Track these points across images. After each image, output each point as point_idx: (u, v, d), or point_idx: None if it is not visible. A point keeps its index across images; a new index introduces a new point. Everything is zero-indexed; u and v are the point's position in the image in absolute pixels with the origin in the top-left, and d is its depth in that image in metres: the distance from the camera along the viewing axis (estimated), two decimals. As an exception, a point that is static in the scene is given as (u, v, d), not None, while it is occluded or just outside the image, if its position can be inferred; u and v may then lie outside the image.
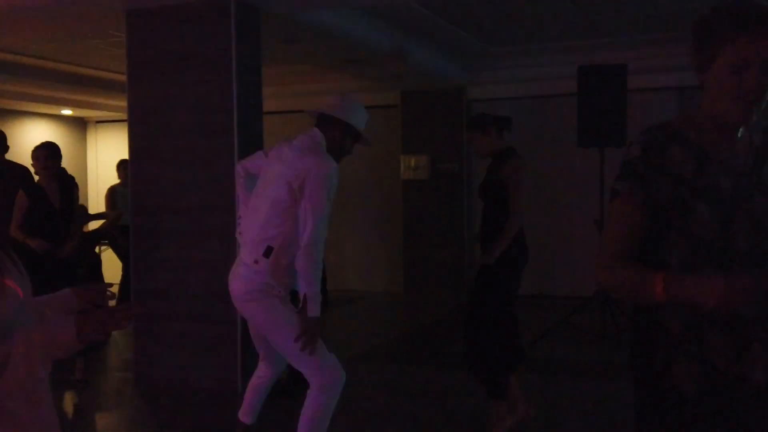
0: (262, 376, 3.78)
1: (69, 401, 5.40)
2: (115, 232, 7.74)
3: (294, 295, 3.54)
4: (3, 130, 6.21)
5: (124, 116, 6.01)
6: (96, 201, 11.09)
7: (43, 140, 5.71)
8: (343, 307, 9.09)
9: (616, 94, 6.77)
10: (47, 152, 5.42)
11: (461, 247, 9.85)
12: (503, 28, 7.97)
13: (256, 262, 3.41)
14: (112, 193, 8.27)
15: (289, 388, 4.97)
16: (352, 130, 3.56)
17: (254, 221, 3.49)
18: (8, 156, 6.11)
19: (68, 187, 5.55)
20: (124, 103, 5.92)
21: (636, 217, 1.82)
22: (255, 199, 3.57)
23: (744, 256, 1.75)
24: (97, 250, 8.05)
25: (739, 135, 1.84)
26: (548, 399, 5.12)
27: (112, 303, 2.17)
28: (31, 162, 5.51)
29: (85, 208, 8.11)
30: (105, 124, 11.98)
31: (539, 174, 9.19)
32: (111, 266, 8.46)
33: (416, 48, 8.00)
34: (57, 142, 5.69)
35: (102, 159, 11.87)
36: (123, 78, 5.83)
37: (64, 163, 5.65)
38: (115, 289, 7.17)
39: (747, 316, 1.74)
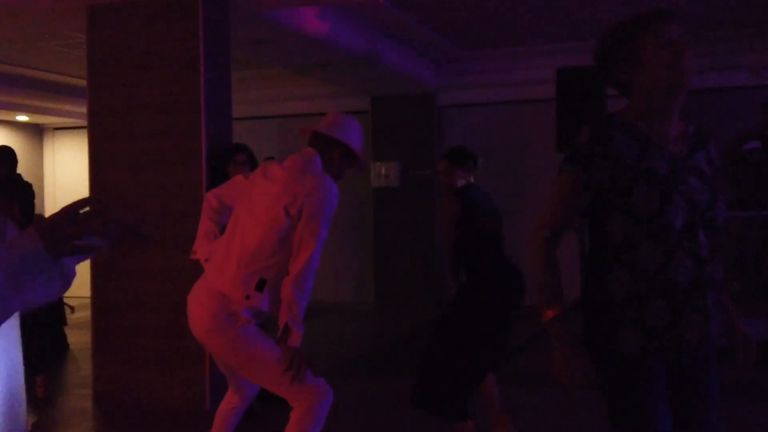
0: (232, 401, 3.45)
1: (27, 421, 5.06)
2: None
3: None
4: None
5: (84, 123, 5.71)
6: (54, 210, 10.68)
7: (-5, 147, 5.40)
8: (312, 319, 8.78)
9: (595, 98, 6.65)
10: None
11: (433, 256, 9.67)
12: (477, 32, 7.86)
13: (248, 297, 3.05)
14: None
15: (259, 409, 4.70)
16: (350, 152, 3.28)
17: (240, 250, 3.11)
18: None
19: (22, 194, 5.23)
20: (83, 109, 5.63)
21: (576, 196, 2.11)
22: (237, 224, 3.20)
23: (681, 232, 2.02)
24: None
25: (670, 122, 2.10)
26: (533, 412, 4.95)
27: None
28: None
29: (42, 218, 7.76)
30: (63, 131, 11.57)
31: (515, 180, 9.07)
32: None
33: (388, 51, 7.83)
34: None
35: (60, 167, 11.46)
36: (83, 83, 5.54)
37: (19, 171, 5.36)
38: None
39: (682, 286, 2.02)
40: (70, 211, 1.43)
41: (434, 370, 4.13)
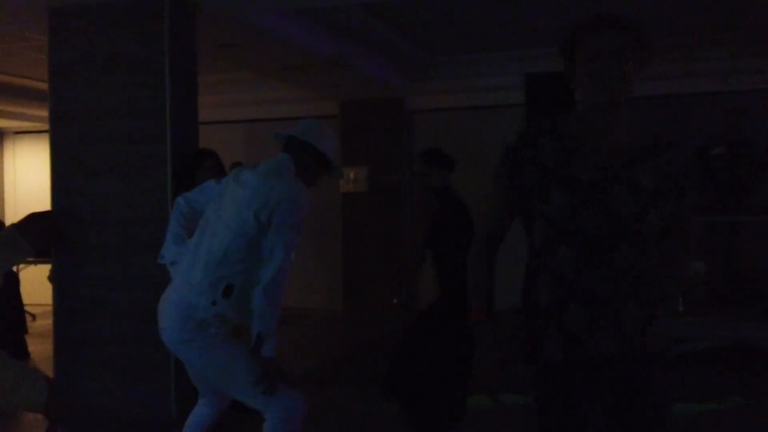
0: (202, 414, 3.36)
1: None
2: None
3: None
4: None
5: (46, 127, 5.59)
6: (14, 217, 10.45)
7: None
8: (281, 325, 8.71)
9: (564, 103, 6.67)
10: None
11: (402, 262, 9.63)
12: (446, 38, 7.86)
13: (214, 303, 2.99)
14: None
15: (231, 420, 4.61)
16: (324, 159, 3.23)
17: (207, 255, 3.04)
18: None
19: None
20: (45, 113, 5.50)
21: (502, 199, 2.15)
22: (206, 228, 3.13)
23: (595, 241, 2.01)
24: (15, 268, 7.51)
25: (608, 132, 2.07)
26: (500, 416, 4.89)
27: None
28: None
29: (2, 224, 7.59)
30: (24, 135, 11.34)
31: (484, 185, 9.07)
32: (30, 284, 7.92)
33: (357, 56, 7.79)
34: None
35: (21, 172, 11.23)
36: (44, 86, 5.41)
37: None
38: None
39: (600, 296, 2.01)
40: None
41: (410, 378, 4.10)
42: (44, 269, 6.85)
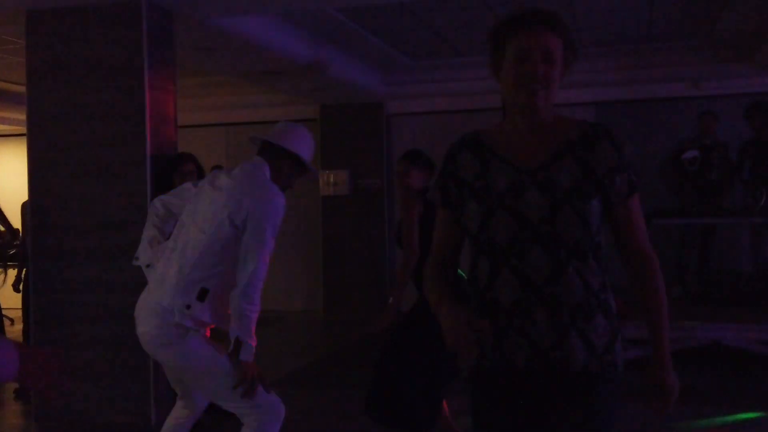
0: (180, 417, 3.36)
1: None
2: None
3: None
4: None
5: (23, 130, 5.56)
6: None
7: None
8: (261, 328, 8.66)
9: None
10: None
11: (383, 265, 9.66)
12: (425, 42, 7.90)
13: (188, 307, 2.99)
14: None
15: (207, 422, 4.62)
16: (300, 161, 3.26)
17: (181, 258, 3.05)
18: None
19: None
20: (22, 116, 5.47)
21: (444, 221, 2.08)
22: (182, 232, 3.14)
23: (506, 248, 1.91)
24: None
25: (531, 130, 1.97)
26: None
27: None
28: None
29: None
30: (3, 138, 11.24)
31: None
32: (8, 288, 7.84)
33: (337, 60, 7.82)
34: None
35: (0, 176, 11.13)
36: (22, 89, 5.39)
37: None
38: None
39: (504, 305, 1.91)
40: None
41: (390, 379, 4.11)
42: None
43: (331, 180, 9.74)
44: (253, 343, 3.02)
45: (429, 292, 2.07)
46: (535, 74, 1.91)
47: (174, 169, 4.88)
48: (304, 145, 3.27)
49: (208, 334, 3.15)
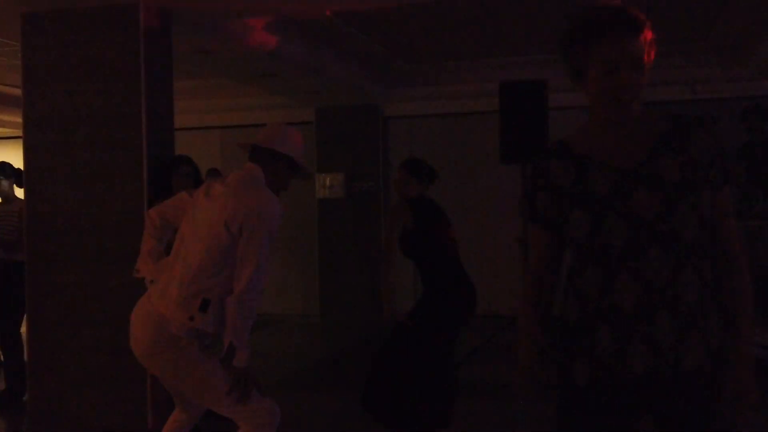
0: (178, 421, 3.35)
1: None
2: None
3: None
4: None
5: (19, 133, 5.53)
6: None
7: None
8: (258, 331, 8.67)
9: (537, 110, 6.76)
10: None
11: (379, 268, 9.64)
12: (421, 45, 7.90)
13: (191, 319, 2.98)
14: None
15: (204, 427, 4.60)
16: (292, 162, 3.25)
17: (182, 269, 3.05)
18: None
19: None
20: (18, 119, 5.44)
21: (537, 235, 1.99)
22: (181, 244, 3.14)
23: (622, 252, 1.83)
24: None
25: (624, 130, 1.91)
26: (474, 422, 4.94)
27: None
28: None
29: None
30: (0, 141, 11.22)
31: (460, 192, 9.14)
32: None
33: (333, 63, 7.81)
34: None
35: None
36: (19, 92, 5.36)
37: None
38: None
39: (626, 312, 1.83)
40: None
41: (386, 377, 4.11)
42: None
43: (327, 183, 9.74)
44: (247, 349, 3.00)
45: (520, 314, 2.02)
46: (625, 86, 1.84)
47: (172, 172, 4.87)
48: (294, 144, 3.27)
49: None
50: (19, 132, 6.16)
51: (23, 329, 5.59)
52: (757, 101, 7.52)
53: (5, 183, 6.02)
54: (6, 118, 9.39)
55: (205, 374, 3.01)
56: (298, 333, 9.33)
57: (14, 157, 9.95)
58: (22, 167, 5.28)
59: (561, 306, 2.00)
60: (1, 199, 6.02)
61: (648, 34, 1.87)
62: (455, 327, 4.27)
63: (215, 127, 10.20)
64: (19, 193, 6.12)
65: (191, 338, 3.01)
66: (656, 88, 8.70)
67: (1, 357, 6.21)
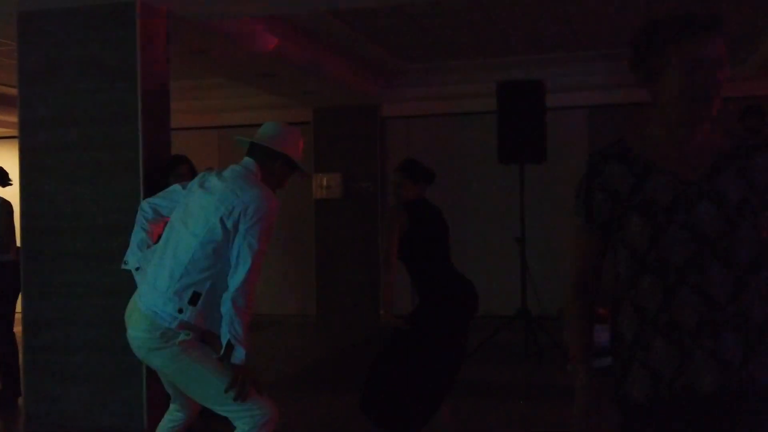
0: (174, 420, 3.33)
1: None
2: None
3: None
4: None
5: (15, 133, 5.51)
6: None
7: None
8: (254, 331, 8.62)
9: (535, 110, 6.76)
10: None
11: (376, 267, 9.62)
12: (419, 45, 7.88)
13: (180, 312, 2.97)
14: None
15: (200, 425, 4.58)
16: (290, 160, 3.23)
17: (173, 262, 3.02)
18: None
19: None
20: (14, 119, 5.42)
21: (584, 237, 1.95)
22: (171, 234, 3.11)
23: (682, 266, 1.79)
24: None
25: (691, 140, 1.87)
26: (474, 422, 4.93)
27: None
28: None
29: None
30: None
31: (459, 192, 9.13)
32: None
33: (331, 63, 7.79)
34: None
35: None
36: (14, 91, 5.34)
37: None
38: None
39: (687, 326, 1.79)
40: None
41: (384, 380, 4.09)
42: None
43: (324, 183, 9.72)
44: (245, 346, 2.99)
45: (567, 322, 1.98)
46: (713, 84, 1.81)
47: (170, 172, 4.86)
48: (292, 142, 3.25)
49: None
50: (14, 132, 6.14)
51: (18, 329, 5.57)
52: (753, 101, 7.51)
53: None
54: (2, 117, 9.36)
55: (204, 371, 2.99)
56: (295, 333, 9.31)
57: (11, 157, 9.94)
58: (18, 167, 5.25)
59: (612, 316, 1.95)
60: None
61: (726, 34, 1.86)
62: (460, 330, 4.21)
63: (212, 128, 10.17)
64: (2, 192, 6.10)
65: (186, 331, 2.99)
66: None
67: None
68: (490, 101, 7.16)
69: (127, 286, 4.60)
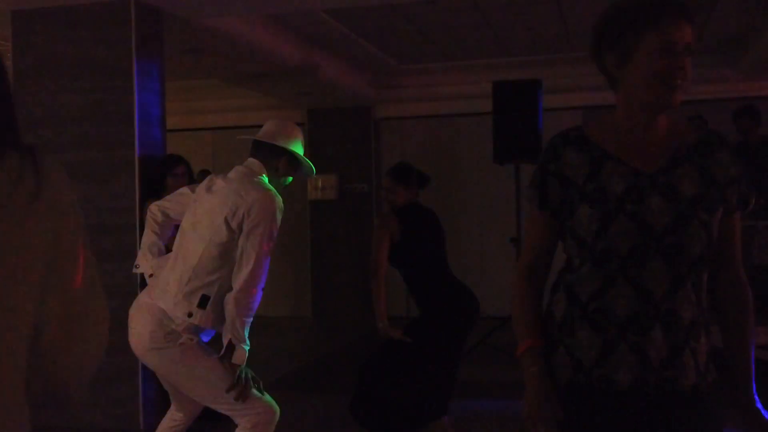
0: (174, 420, 3.33)
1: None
2: None
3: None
4: None
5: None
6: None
7: None
8: (249, 333, 8.65)
9: (531, 110, 6.76)
10: None
11: (369, 281, 9.61)
12: (414, 45, 7.89)
13: (190, 315, 2.97)
14: None
15: (201, 426, 4.56)
16: (294, 159, 3.22)
17: (182, 266, 3.03)
18: None
19: None
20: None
21: (539, 222, 1.90)
22: (183, 240, 3.11)
23: (625, 257, 1.76)
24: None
25: (651, 129, 1.83)
26: (469, 423, 4.92)
27: None
28: None
29: None
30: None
31: (454, 193, 9.14)
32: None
33: (325, 63, 7.79)
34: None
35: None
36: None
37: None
38: None
39: (617, 319, 1.76)
40: None
41: (374, 385, 4.07)
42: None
43: (319, 184, 9.71)
44: (246, 347, 2.98)
45: (514, 307, 1.93)
46: (681, 69, 1.76)
47: (167, 172, 4.85)
48: (297, 141, 3.24)
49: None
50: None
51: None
52: (747, 102, 7.54)
53: None
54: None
55: (204, 371, 2.98)
56: (290, 335, 9.28)
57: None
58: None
59: (550, 295, 1.93)
60: None
61: (696, 23, 1.83)
62: (458, 340, 4.16)
63: (206, 129, 10.16)
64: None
65: (191, 335, 2.98)
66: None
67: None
68: (484, 102, 7.16)
69: (125, 286, 4.60)
